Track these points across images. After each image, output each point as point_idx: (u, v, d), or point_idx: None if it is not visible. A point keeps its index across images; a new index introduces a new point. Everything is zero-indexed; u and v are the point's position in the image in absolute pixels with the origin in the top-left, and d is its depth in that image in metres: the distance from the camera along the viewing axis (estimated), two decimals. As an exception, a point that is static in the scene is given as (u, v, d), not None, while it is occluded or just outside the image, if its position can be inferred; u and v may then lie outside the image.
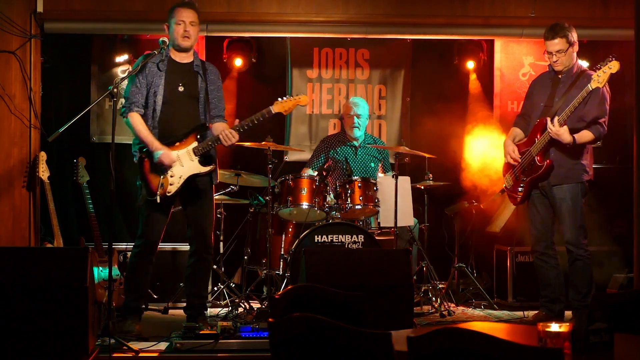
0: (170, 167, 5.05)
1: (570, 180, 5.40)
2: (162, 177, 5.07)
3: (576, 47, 5.45)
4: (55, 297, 4.31)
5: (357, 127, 6.67)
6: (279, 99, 5.27)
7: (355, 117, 6.64)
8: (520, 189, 5.50)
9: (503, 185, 5.78)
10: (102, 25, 6.55)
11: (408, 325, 4.68)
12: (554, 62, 5.44)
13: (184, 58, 5.21)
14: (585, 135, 5.29)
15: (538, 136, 5.40)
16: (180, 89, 5.15)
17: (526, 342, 2.04)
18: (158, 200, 5.03)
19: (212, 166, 5.17)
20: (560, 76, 5.47)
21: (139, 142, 5.11)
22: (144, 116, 5.09)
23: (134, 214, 5.48)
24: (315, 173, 6.16)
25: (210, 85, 5.24)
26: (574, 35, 5.41)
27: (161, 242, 5.22)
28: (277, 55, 7.36)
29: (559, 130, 5.21)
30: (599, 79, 5.12)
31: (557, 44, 5.38)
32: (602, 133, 5.35)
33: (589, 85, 5.15)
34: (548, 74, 5.62)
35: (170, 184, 5.07)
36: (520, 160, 5.50)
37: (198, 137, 5.13)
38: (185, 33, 5.13)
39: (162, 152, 5.03)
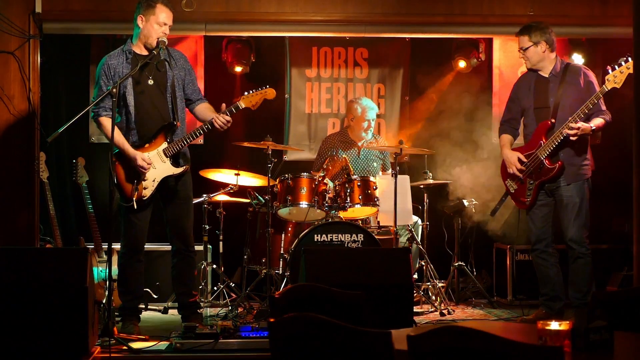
0: (147, 171, 4.98)
1: (579, 178, 5.39)
2: (135, 182, 5.02)
3: (544, 46, 5.39)
4: (55, 297, 4.31)
5: (371, 130, 6.70)
6: (246, 93, 5.19)
7: (369, 121, 6.66)
8: (528, 193, 5.46)
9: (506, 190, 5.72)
10: (101, 25, 6.53)
11: (408, 324, 4.68)
12: (521, 58, 5.51)
13: (147, 51, 5.10)
14: (598, 122, 5.27)
15: (543, 139, 5.35)
16: (150, 82, 5.06)
17: (526, 341, 2.04)
18: (135, 206, 4.98)
19: (185, 167, 5.10)
20: (547, 76, 5.45)
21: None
22: (119, 116, 4.99)
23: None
24: (324, 174, 6.13)
25: (181, 71, 5.14)
26: (542, 35, 5.37)
27: (161, 243, 5.20)
28: (275, 55, 7.36)
29: (581, 126, 5.16)
30: (616, 79, 5.05)
31: (519, 41, 5.46)
32: (608, 116, 5.33)
33: (604, 86, 5.11)
34: (529, 76, 5.58)
35: (145, 188, 5.02)
36: (525, 167, 5.47)
37: (167, 138, 5.05)
38: (164, 36, 5.04)
39: (139, 158, 4.96)
